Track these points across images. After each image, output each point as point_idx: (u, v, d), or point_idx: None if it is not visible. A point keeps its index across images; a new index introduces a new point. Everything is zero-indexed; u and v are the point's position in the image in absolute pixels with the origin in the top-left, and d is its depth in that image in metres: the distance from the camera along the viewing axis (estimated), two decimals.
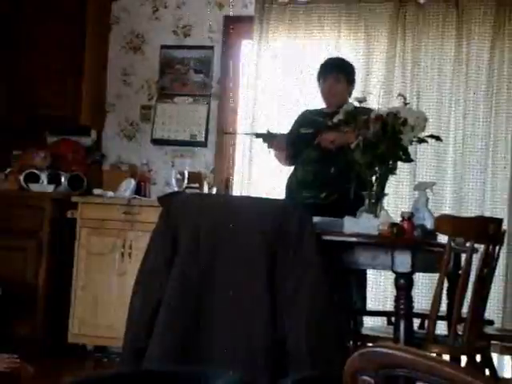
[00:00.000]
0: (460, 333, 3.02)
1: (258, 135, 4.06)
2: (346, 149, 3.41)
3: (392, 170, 3.38)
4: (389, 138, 3.21)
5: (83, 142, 5.57)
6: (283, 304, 2.84)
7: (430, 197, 3.57)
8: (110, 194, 5.14)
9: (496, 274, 3.66)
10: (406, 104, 3.38)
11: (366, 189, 3.33)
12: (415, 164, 4.79)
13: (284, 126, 4.78)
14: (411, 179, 4.97)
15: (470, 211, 4.85)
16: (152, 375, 1.01)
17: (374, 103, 3.90)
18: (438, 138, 3.54)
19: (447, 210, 4.85)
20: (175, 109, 5.58)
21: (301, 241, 2.88)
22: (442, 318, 3.41)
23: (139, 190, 5.22)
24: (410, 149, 3.48)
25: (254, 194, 5.04)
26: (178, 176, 5.13)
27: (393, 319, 3.31)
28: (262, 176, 5.22)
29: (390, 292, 4.51)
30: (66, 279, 5.01)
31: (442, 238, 3.35)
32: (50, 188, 5.19)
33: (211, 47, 5.56)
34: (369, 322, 4.47)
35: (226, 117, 5.59)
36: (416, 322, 3.53)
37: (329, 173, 3.93)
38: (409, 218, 3.11)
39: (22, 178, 5.19)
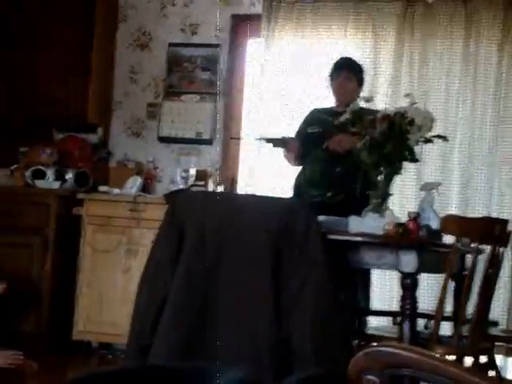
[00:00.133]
0: (465, 334, 3.01)
1: (268, 140, 4.03)
2: (353, 150, 3.42)
3: (398, 170, 3.38)
4: (395, 138, 3.20)
5: (90, 139, 5.58)
6: (288, 303, 2.84)
7: (436, 197, 3.56)
8: (116, 191, 5.14)
9: (501, 275, 3.65)
10: (413, 104, 3.38)
11: (372, 188, 3.33)
12: (421, 164, 4.78)
13: (290, 125, 4.79)
14: (417, 179, 4.96)
15: (477, 212, 4.84)
16: (157, 371, 1.01)
17: (382, 103, 3.90)
18: (444, 138, 3.54)
19: (453, 210, 4.84)
20: (182, 107, 5.58)
21: (306, 240, 2.88)
22: (447, 319, 3.40)
23: (145, 188, 5.22)
24: (417, 149, 3.48)
25: (259, 193, 5.03)
26: (184, 174, 5.13)
27: (398, 319, 3.31)
28: (267, 175, 5.21)
29: (396, 292, 4.50)
30: (71, 276, 5.02)
31: (448, 239, 3.35)
32: (56, 185, 5.19)
33: (218, 45, 5.56)
34: (374, 321, 4.47)
35: (233, 115, 5.59)
36: (421, 322, 3.53)
37: (335, 172, 3.93)
38: (414, 218, 3.11)
39: (28, 174, 5.20)
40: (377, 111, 3.38)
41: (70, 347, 4.96)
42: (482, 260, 3.13)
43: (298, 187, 4.16)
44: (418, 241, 3.06)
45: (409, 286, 3.01)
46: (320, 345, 2.80)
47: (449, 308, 3.53)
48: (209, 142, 5.52)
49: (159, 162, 5.53)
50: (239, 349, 2.81)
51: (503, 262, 3.52)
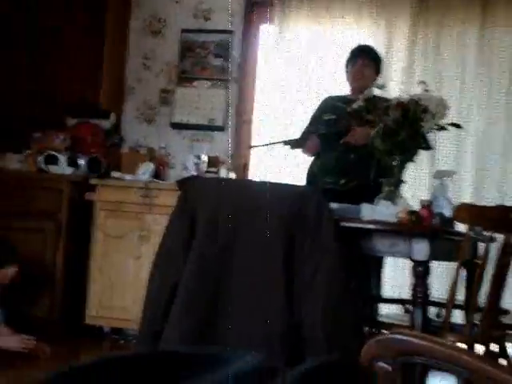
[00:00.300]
0: (476, 322, 3.00)
1: (285, 143, 4.00)
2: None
3: (411, 158, 3.36)
4: (409, 126, 3.19)
5: (102, 125, 5.59)
6: (300, 289, 2.84)
7: (450, 185, 3.55)
8: (129, 177, 5.15)
9: None
10: (426, 91, 3.36)
11: (385, 176, 3.32)
12: (435, 152, 4.76)
13: (305, 113, 4.77)
14: (430, 167, 4.94)
15: (491, 200, 4.82)
16: (169, 356, 1.01)
17: (395, 90, 3.88)
18: (458, 126, 3.52)
19: (467, 198, 4.82)
20: (194, 93, 5.57)
21: (319, 226, 2.87)
22: (459, 307, 3.40)
23: (157, 174, 5.23)
24: (430, 136, 3.46)
25: (271, 180, 5.03)
26: (196, 160, 5.13)
27: (409, 307, 3.30)
28: (279, 162, 5.20)
29: (407, 279, 4.49)
30: (83, 261, 5.04)
31: (461, 227, 3.34)
32: (69, 170, 5.21)
33: (231, 31, 5.55)
34: (385, 309, 4.47)
35: (245, 102, 5.58)
36: (433, 310, 3.52)
37: (349, 159, 3.92)
38: (427, 205, 3.10)
39: (41, 159, 5.22)
40: (390, 99, 3.37)
41: (82, 332, 4.99)
42: (495, 248, 3.12)
43: (311, 175, 4.16)
44: (430, 229, 3.05)
45: (421, 273, 3.00)
46: (332, 332, 2.80)
47: (461, 296, 3.52)
48: (221, 129, 5.52)
49: (171, 148, 5.54)
50: (251, 335, 2.82)
51: None
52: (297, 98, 5.26)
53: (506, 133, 4.96)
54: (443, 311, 3.22)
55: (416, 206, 3.20)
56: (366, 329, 3.41)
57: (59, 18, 5.47)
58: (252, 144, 5.40)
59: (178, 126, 5.60)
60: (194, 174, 5.00)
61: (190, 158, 5.19)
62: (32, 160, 5.28)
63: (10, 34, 5.58)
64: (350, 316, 2.89)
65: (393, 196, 3.28)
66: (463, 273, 3.34)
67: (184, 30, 5.64)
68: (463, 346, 3.04)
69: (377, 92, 3.67)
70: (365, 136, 3.55)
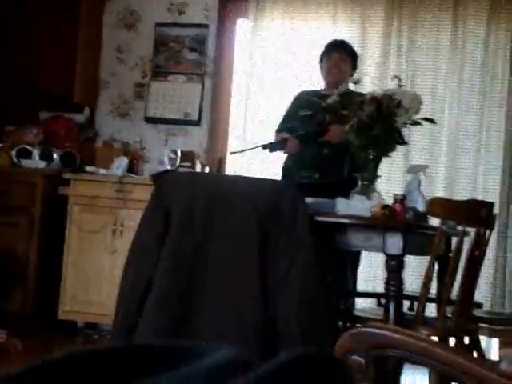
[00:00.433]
0: (449, 315, 3.03)
1: (264, 147, 3.98)
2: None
3: (386, 152, 3.38)
4: (383, 120, 3.20)
5: (76, 119, 5.55)
6: (275, 284, 2.85)
7: (423, 180, 3.57)
8: (103, 171, 5.12)
9: (486, 257, 3.67)
10: (400, 86, 3.38)
11: (360, 171, 3.34)
12: (408, 146, 4.79)
13: (278, 106, 4.78)
14: (404, 162, 4.97)
15: (462, 194, 4.87)
16: (144, 350, 1.01)
17: (370, 86, 3.90)
18: (432, 121, 3.54)
19: (440, 193, 4.86)
20: (169, 87, 5.55)
21: (294, 221, 2.88)
22: (432, 301, 3.42)
23: (132, 168, 5.21)
24: (404, 131, 3.48)
25: (247, 174, 5.03)
26: (171, 155, 5.11)
27: (383, 301, 3.32)
28: (255, 157, 5.20)
29: (381, 273, 4.52)
30: (57, 256, 5.01)
31: (434, 221, 3.36)
32: (42, 164, 5.17)
33: (206, 25, 5.53)
34: (360, 303, 4.49)
35: (221, 96, 5.57)
36: (406, 304, 3.55)
37: (323, 154, 3.93)
38: (401, 200, 3.11)
39: (14, 153, 5.17)
40: (364, 94, 3.38)
41: (55, 327, 4.96)
42: (468, 242, 3.14)
43: (286, 169, 4.16)
44: (404, 223, 3.07)
45: (394, 267, 3.02)
46: (306, 326, 2.81)
47: (434, 290, 3.55)
48: (196, 123, 5.50)
49: (146, 142, 5.52)
50: (225, 329, 2.82)
51: (488, 244, 3.54)
52: (273, 92, 5.26)
53: (478, 128, 5.01)
54: (416, 304, 3.24)
55: (390, 201, 3.22)
56: (341, 323, 3.43)
57: (33, 9, 5.41)
58: (229, 143, 5.41)
59: (152, 121, 5.58)
60: (169, 168, 4.98)
61: (165, 153, 5.17)
62: (5, 154, 5.24)
63: None
64: (324, 310, 2.90)
65: (367, 190, 3.29)
66: (437, 267, 3.37)
67: (158, 24, 5.61)
68: (436, 338, 3.07)
69: (351, 87, 3.69)
70: (340, 134, 3.56)
